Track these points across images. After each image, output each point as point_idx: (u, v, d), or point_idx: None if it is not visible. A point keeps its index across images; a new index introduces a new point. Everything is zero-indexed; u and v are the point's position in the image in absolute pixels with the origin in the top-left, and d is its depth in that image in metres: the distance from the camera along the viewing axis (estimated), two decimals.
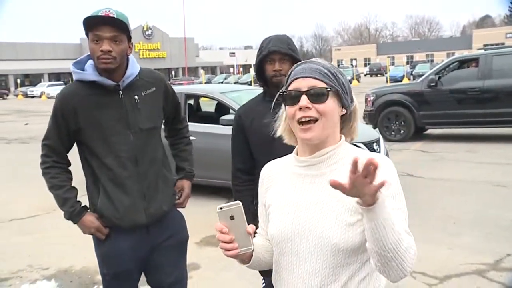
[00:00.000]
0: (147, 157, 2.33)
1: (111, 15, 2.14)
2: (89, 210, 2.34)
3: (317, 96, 1.36)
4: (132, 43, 2.31)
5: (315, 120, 1.36)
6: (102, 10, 2.16)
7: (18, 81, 60.11)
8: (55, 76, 65.09)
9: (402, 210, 1.34)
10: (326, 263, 1.35)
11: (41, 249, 5.15)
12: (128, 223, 2.28)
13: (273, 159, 2.09)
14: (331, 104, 1.37)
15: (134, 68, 2.33)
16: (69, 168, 2.40)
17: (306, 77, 1.39)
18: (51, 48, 68.86)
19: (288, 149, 2.11)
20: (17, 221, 6.32)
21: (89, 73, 2.24)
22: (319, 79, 1.37)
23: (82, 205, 2.32)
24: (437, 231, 5.10)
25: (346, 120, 1.48)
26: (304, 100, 1.36)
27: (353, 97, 1.47)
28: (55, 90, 50.31)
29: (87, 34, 2.20)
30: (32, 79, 64.21)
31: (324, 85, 1.37)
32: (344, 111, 1.43)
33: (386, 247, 1.19)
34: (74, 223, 2.31)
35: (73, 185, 2.36)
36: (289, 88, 1.41)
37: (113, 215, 2.27)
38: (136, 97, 2.30)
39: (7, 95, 55.03)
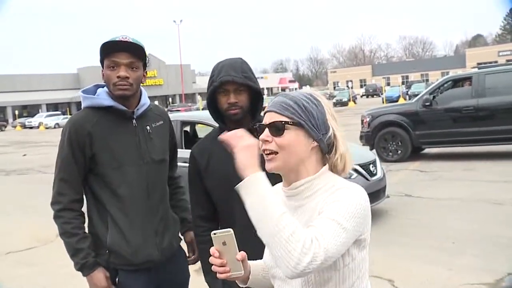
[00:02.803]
0: (158, 191, 2.27)
1: (129, 40, 2.13)
2: (98, 258, 2.17)
3: (275, 130, 1.39)
4: (146, 72, 2.27)
5: (276, 152, 1.40)
6: (119, 37, 2.13)
7: (16, 112, 60.33)
8: (53, 107, 65.40)
9: (335, 222, 1.26)
10: None
11: (38, 282, 5.11)
12: (141, 259, 2.18)
13: (234, 203, 2.00)
14: (290, 137, 1.39)
15: (146, 98, 2.31)
16: (83, 209, 2.23)
17: (270, 111, 1.43)
18: (49, 79, 69.31)
19: None
20: (14, 254, 6.26)
21: (104, 98, 2.19)
22: (279, 113, 1.40)
23: (93, 256, 2.16)
24: (437, 251, 5.08)
25: (327, 153, 1.45)
26: (264, 134, 1.41)
27: (331, 128, 1.43)
28: (53, 120, 50.60)
29: (102, 61, 2.16)
30: (30, 110, 64.45)
31: (284, 119, 1.39)
32: (315, 143, 1.41)
33: (263, 226, 1.22)
34: (84, 275, 2.16)
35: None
36: (262, 121, 1.45)
37: (126, 250, 2.15)
38: (148, 127, 2.28)
39: (5, 126, 55.18)
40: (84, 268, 2.14)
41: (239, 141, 1.32)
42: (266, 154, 1.41)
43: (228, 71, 2.04)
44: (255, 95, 2.15)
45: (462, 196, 7.37)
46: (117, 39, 2.13)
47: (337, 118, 1.48)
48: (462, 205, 6.91)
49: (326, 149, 1.44)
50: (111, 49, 2.13)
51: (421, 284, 4.31)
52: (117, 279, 2.20)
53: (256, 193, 1.24)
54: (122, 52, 2.12)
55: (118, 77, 2.12)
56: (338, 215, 1.27)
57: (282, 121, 1.39)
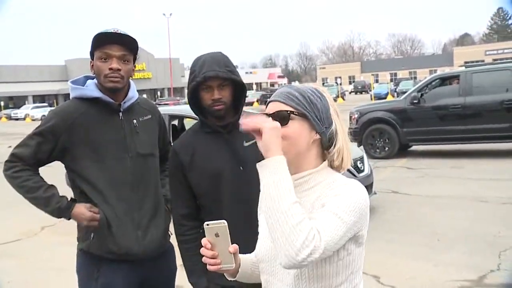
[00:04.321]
0: (144, 185, 2.24)
1: (122, 33, 2.12)
2: (76, 202, 2.18)
3: (280, 119, 1.37)
4: (135, 65, 2.27)
5: None
6: (111, 29, 2.13)
7: (2, 103, 59.48)
8: (40, 98, 64.54)
9: (336, 215, 1.27)
10: (292, 286, 1.37)
11: (21, 275, 5.04)
12: (122, 251, 2.17)
13: (222, 198, 2.03)
14: (294, 127, 1.37)
15: (134, 92, 2.30)
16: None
17: (275, 100, 1.42)
18: (36, 70, 68.38)
19: (236, 187, 2.01)
20: None
21: (92, 90, 2.18)
22: (284, 103, 1.39)
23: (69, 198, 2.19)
24: (423, 248, 5.11)
25: (326, 147, 1.44)
26: None
27: (334, 122, 1.43)
28: (40, 112, 49.89)
29: (92, 53, 2.16)
30: (16, 101, 63.56)
31: (289, 108, 1.38)
32: (317, 136, 1.41)
33: (271, 211, 1.22)
34: (68, 219, 2.15)
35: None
36: (265, 111, 1.44)
37: (109, 238, 2.15)
38: (134, 121, 2.26)
39: None
40: (63, 210, 2.13)
41: (264, 122, 1.29)
42: None
43: (211, 66, 1.99)
44: (237, 89, 2.12)
45: (449, 193, 7.43)
46: (110, 31, 2.12)
47: (339, 114, 1.46)
48: (449, 202, 6.97)
49: (327, 143, 1.42)
50: (104, 41, 2.12)
51: (406, 280, 4.34)
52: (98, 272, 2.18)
53: (275, 175, 1.24)
54: (114, 45, 2.12)
55: (110, 69, 2.11)
56: (338, 209, 1.28)
57: (287, 111, 1.38)
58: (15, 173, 2.16)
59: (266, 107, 1.44)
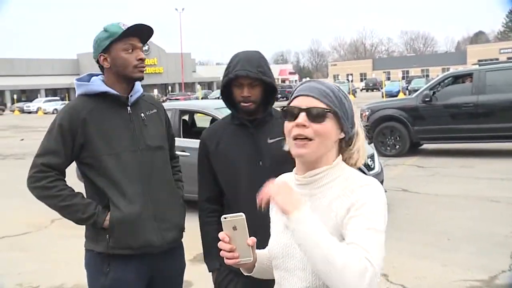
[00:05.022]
0: (156, 178, 2.26)
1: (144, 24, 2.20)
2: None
3: (315, 116, 1.36)
4: None
5: (310, 139, 1.36)
6: (120, 23, 2.19)
7: (15, 96, 60.05)
8: (52, 92, 65.08)
9: (373, 230, 1.27)
10: (309, 283, 1.36)
11: (31, 267, 5.09)
12: (140, 243, 2.17)
13: (239, 188, 2.09)
14: (328, 126, 1.37)
15: (139, 86, 2.33)
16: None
17: (308, 95, 1.39)
18: (48, 64, 68.96)
19: (255, 177, 2.03)
20: (8, 238, 6.24)
21: (98, 85, 2.22)
22: (319, 100, 1.37)
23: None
24: (432, 247, 5.08)
25: (346, 145, 1.46)
26: (301, 118, 1.36)
27: (356, 123, 1.45)
28: (52, 105, 50.36)
29: (107, 46, 2.16)
30: (28, 94, 64.13)
31: (324, 106, 1.37)
32: (343, 135, 1.41)
33: (315, 263, 1.21)
34: (101, 221, 2.13)
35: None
36: (291, 104, 1.42)
37: (125, 232, 2.14)
38: (142, 114, 2.29)
39: (4, 110, 54.96)
40: (99, 215, 2.14)
41: (269, 192, 1.29)
42: (299, 139, 1.36)
43: (244, 65, 2.08)
44: (269, 88, 2.19)
45: (459, 192, 7.37)
46: (138, 24, 2.18)
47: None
48: (459, 201, 6.91)
49: (349, 142, 1.44)
50: (128, 33, 2.16)
51: (415, 279, 4.31)
52: (108, 268, 2.18)
53: (305, 230, 1.22)
54: (135, 37, 2.19)
55: (140, 59, 2.19)
56: (371, 222, 1.28)
57: (324, 108, 1.36)
58: (50, 183, 2.14)
59: (293, 101, 1.42)
